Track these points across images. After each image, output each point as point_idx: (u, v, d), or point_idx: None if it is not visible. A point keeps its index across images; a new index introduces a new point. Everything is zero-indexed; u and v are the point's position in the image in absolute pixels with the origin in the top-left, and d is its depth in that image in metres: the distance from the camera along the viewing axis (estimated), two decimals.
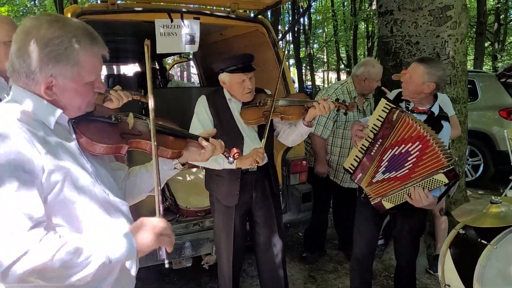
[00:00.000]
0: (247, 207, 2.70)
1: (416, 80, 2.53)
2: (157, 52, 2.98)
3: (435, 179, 2.24)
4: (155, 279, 3.60)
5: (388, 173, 2.47)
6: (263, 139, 2.43)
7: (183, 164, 1.60)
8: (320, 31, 28.57)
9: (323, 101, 2.36)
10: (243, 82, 2.49)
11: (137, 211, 2.63)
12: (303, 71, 24.37)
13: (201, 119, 2.58)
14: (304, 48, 24.15)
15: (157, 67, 7.32)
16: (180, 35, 3.03)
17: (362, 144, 2.60)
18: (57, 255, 1.02)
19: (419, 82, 2.52)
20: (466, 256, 1.94)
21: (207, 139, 1.58)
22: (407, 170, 2.37)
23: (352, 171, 2.66)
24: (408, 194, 2.34)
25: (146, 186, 1.58)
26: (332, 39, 24.93)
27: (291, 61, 23.09)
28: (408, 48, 4.06)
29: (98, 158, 1.35)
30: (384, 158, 2.48)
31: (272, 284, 2.82)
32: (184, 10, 3.13)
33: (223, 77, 2.53)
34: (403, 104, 2.64)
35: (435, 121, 2.54)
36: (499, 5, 18.78)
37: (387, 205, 2.50)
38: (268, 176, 2.69)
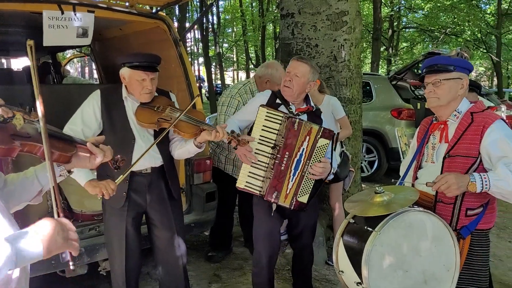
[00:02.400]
0: (141, 210, 2.62)
1: (303, 80, 2.57)
2: (44, 44, 2.77)
3: (319, 146, 2.51)
4: None
5: (294, 176, 2.54)
6: (151, 145, 2.36)
7: (69, 171, 1.54)
8: (230, 30, 28.83)
9: (219, 128, 2.34)
10: (143, 81, 2.40)
11: (26, 216, 2.44)
12: (213, 70, 24.39)
13: (85, 116, 2.45)
14: (213, 47, 24.17)
15: (50, 62, 6.82)
16: (71, 28, 2.85)
17: (259, 161, 2.54)
18: None
19: (305, 82, 2.59)
20: (356, 243, 2.06)
21: (97, 146, 1.55)
22: (302, 161, 2.52)
23: (259, 192, 2.56)
24: (310, 175, 2.53)
25: (27, 195, 1.49)
26: (241, 38, 25.28)
27: (200, 59, 22.97)
28: (308, 51, 4.21)
29: None
30: (293, 168, 2.53)
31: (173, 287, 2.77)
32: (76, 2, 2.95)
33: (124, 71, 2.43)
34: (283, 108, 2.66)
35: (316, 115, 2.69)
36: (392, 13, 20.36)
37: (304, 198, 2.56)
38: (164, 179, 2.63)
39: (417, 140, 2.38)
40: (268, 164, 2.54)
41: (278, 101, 2.69)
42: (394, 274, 1.96)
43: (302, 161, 2.52)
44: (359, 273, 1.98)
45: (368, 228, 1.99)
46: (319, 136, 2.49)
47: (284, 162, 2.51)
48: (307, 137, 2.49)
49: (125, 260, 2.57)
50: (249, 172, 2.56)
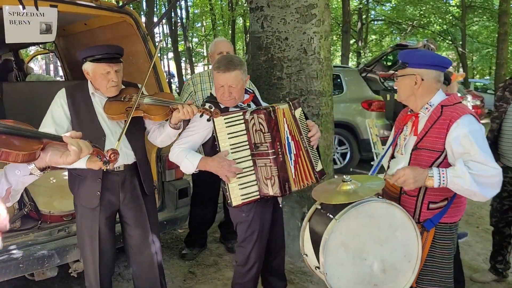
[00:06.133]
0: (114, 209, 2.56)
1: (239, 85, 2.45)
2: (6, 42, 2.67)
3: (300, 118, 2.53)
4: None
5: (289, 154, 2.45)
6: (118, 140, 2.23)
7: (42, 169, 1.45)
8: (199, 24, 28.56)
9: (187, 105, 2.31)
10: (108, 74, 2.35)
11: None
12: (183, 65, 24.13)
13: (55, 116, 2.38)
14: (183, 42, 23.90)
15: (13, 59, 6.57)
16: (34, 24, 2.74)
17: (244, 168, 2.40)
18: None
19: (242, 85, 2.49)
20: (318, 228, 2.10)
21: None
22: (296, 140, 2.50)
23: (259, 196, 2.41)
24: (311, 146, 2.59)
25: None
26: (211, 33, 25.09)
27: (170, 54, 22.68)
28: (278, 44, 4.20)
29: None
30: (287, 153, 2.46)
31: (149, 286, 2.72)
32: None
33: (87, 66, 2.36)
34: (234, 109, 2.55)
35: (257, 99, 2.75)
36: (361, 6, 20.61)
37: (319, 166, 2.61)
38: (137, 176, 2.58)
39: (394, 130, 2.39)
40: (252, 166, 2.41)
41: (222, 105, 2.54)
42: (351, 262, 1.99)
43: (296, 140, 2.49)
44: (318, 258, 2.02)
45: (330, 215, 2.02)
46: (293, 110, 2.50)
47: (280, 152, 2.40)
48: (284, 118, 2.44)
49: (99, 261, 2.52)
50: (239, 185, 2.39)
